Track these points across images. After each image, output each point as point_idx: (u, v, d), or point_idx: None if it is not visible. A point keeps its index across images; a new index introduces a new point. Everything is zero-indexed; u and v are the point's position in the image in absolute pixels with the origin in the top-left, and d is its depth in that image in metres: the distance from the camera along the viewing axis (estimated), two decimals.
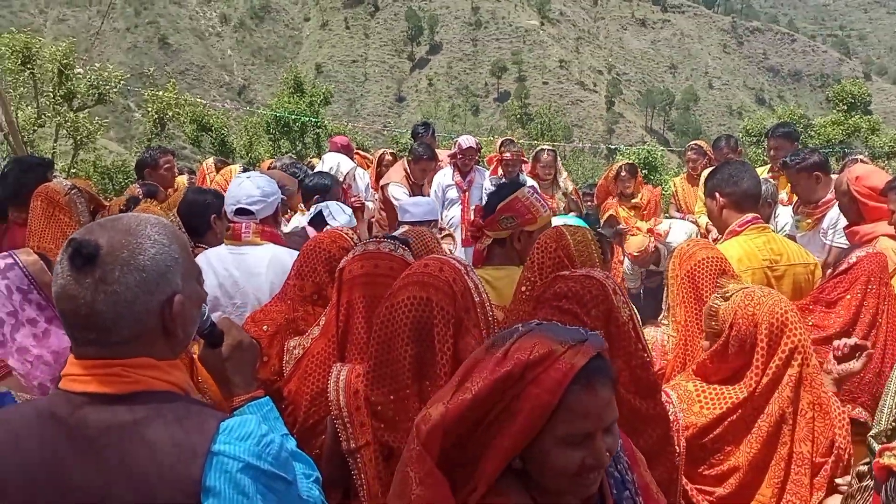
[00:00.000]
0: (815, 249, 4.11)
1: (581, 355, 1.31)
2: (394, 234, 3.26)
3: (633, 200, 6.65)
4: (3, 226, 4.08)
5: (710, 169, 4.26)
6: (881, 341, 2.55)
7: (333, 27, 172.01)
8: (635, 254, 5.79)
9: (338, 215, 3.82)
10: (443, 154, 7.04)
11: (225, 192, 3.51)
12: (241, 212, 3.21)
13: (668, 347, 2.61)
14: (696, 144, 7.12)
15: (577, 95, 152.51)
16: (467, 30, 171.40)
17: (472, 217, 6.09)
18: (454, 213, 6.43)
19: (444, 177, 6.53)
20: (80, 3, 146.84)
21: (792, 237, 4.43)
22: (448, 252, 3.48)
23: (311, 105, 22.20)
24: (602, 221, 6.65)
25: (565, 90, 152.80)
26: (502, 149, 6.67)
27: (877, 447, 1.66)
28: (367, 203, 6.46)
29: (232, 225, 3.23)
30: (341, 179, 5.79)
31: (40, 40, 17.27)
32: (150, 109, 19.89)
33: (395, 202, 6.10)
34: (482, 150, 7.56)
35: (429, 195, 6.35)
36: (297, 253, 2.84)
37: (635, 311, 1.97)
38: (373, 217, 6.57)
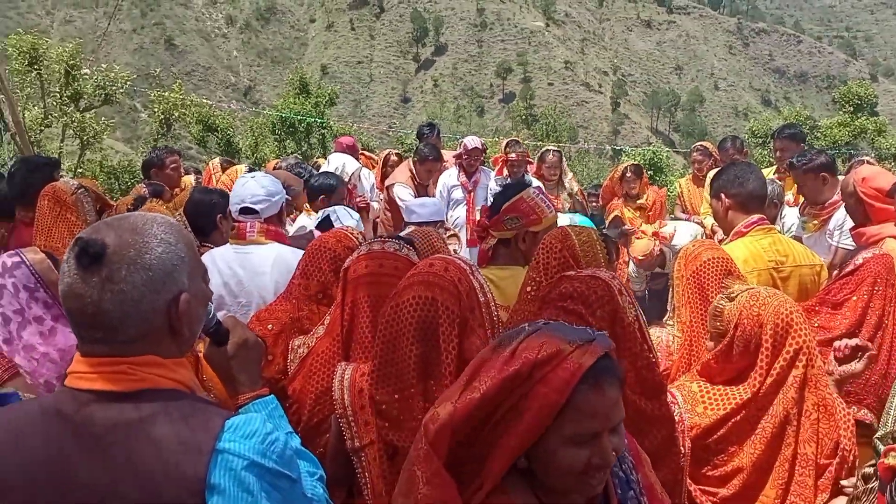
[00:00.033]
0: (822, 251, 4.09)
1: (589, 355, 1.31)
2: (400, 234, 3.26)
3: (638, 201, 6.65)
4: (11, 225, 4.10)
5: (715, 170, 4.25)
6: (887, 343, 2.55)
7: (339, 28, 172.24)
8: (640, 257, 5.78)
9: (345, 220, 3.84)
10: (448, 155, 7.05)
11: (231, 191, 3.52)
12: (245, 211, 3.22)
13: (673, 348, 2.60)
14: (701, 145, 7.11)
15: (583, 96, 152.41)
16: (472, 31, 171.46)
17: (478, 217, 6.11)
18: (459, 213, 6.43)
19: (450, 177, 6.54)
20: (87, 4, 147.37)
21: (798, 238, 4.42)
22: (453, 252, 3.48)
23: (316, 106, 22.24)
24: (607, 222, 6.65)
25: (570, 91, 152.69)
26: (507, 150, 6.67)
27: (882, 448, 1.65)
28: (372, 203, 6.46)
29: (237, 224, 3.24)
30: (346, 180, 5.80)
31: (47, 41, 17.36)
32: (156, 110, 19.97)
33: (400, 203, 6.10)
34: (487, 151, 7.57)
35: (434, 196, 6.35)
36: (301, 252, 2.85)
37: (641, 311, 1.97)
38: (378, 217, 6.58)
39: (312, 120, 21.41)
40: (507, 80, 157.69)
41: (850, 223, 3.92)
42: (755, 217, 3.16)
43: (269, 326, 2.56)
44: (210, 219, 3.57)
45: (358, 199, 5.72)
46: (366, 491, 1.96)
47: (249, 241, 3.18)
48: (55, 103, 16.62)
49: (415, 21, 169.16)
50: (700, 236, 5.47)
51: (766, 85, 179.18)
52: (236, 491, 1.23)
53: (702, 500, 2.07)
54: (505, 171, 6.64)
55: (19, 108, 12.65)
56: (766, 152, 19.16)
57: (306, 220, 4.66)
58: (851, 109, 23.04)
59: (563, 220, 4.58)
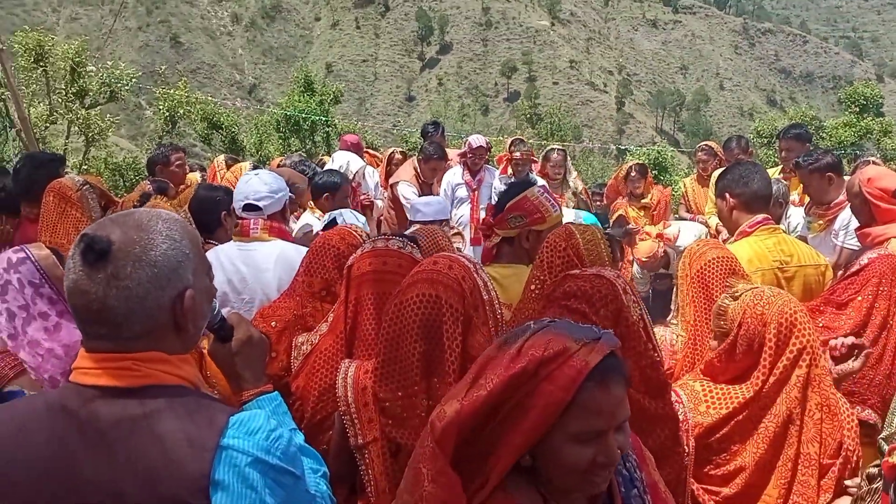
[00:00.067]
0: (827, 251, 4.08)
1: (595, 353, 1.31)
2: (404, 232, 3.27)
3: (642, 201, 6.64)
4: (16, 221, 4.11)
5: (720, 170, 4.24)
6: (892, 343, 2.54)
7: (344, 27, 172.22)
8: (644, 259, 5.78)
9: (351, 222, 3.84)
10: (452, 153, 7.05)
11: (235, 189, 3.53)
12: (249, 208, 3.23)
13: (677, 347, 2.60)
14: (706, 145, 7.09)
15: (588, 96, 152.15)
16: (478, 30, 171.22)
17: (482, 216, 6.11)
18: (463, 211, 6.43)
19: (454, 175, 6.54)
20: (93, 1, 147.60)
21: (804, 238, 4.41)
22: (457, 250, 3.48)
23: (321, 104, 22.20)
24: (611, 221, 6.64)
25: (575, 90, 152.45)
26: (512, 148, 6.67)
27: (887, 448, 1.65)
28: (376, 201, 6.47)
29: (240, 221, 3.25)
30: (351, 178, 5.80)
31: (53, 38, 17.35)
32: (161, 107, 19.97)
33: (404, 202, 6.11)
34: (492, 150, 7.56)
35: (438, 194, 6.35)
36: (304, 249, 2.85)
37: (646, 310, 1.97)
38: (381, 215, 6.59)
39: (317, 118, 21.39)
40: (512, 78, 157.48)
41: (855, 223, 3.91)
42: (760, 217, 3.16)
43: (273, 324, 2.57)
44: (214, 216, 3.58)
45: (362, 197, 5.72)
46: (369, 488, 1.97)
47: (253, 237, 3.19)
48: (60, 100, 16.64)
49: (420, 20, 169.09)
50: (704, 237, 5.46)
51: (771, 85, 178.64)
52: (240, 487, 1.24)
53: (704, 499, 2.07)
54: (509, 170, 6.64)
55: (25, 105, 12.68)
56: (770, 152, 19.09)
57: (310, 218, 4.67)
58: (857, 110, 22.93)
59: (569, 215, 4.59)
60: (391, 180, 6.61)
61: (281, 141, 21.63)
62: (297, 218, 4.82)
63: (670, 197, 7.33)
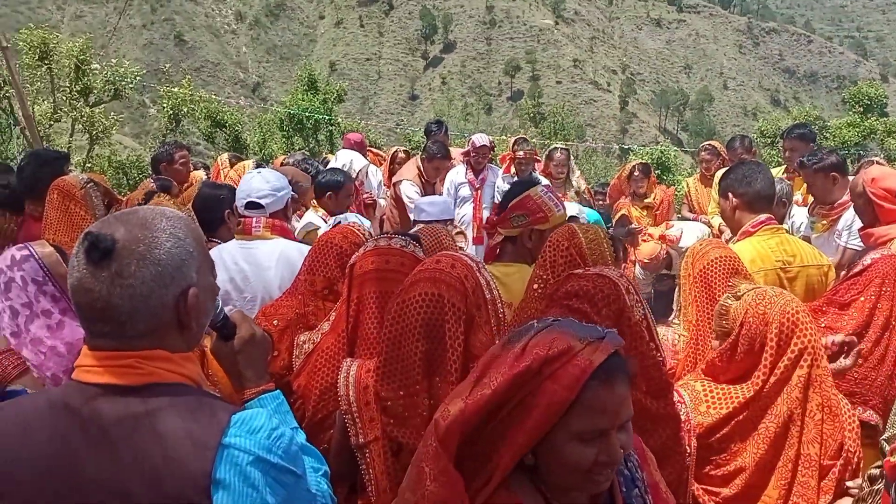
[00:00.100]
0: (830, 251, 4.08)
1: (599, 352, 1.30)
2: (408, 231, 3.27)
3: (645, 200, 6.63)
4: (20, 218, 4.12)
5: (724, 169, 4.24)
6: (894, 344, 2.53)
7: (348, 25, 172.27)
8: (646, 261, 5.77)
9: None
10: (456, 152, 7.05)
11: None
12: (251, 206, 3.23)
13: (679, 346, 2.59)
14: (709, 145, 7.07)
15: (591, 95, 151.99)
16: (481, 28, 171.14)
17: (485, 215, 6.11)
18: (466, 210, 6.43)
19: (457, 174, 6.54)
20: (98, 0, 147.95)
21: (807, 238, 4.40)
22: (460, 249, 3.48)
23: (324, 102, 22.23)
24: (614, 221, 6.64)
25: (579, 90, 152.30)
26: (515, 147, 6.67)
27: (889, 448, 1.65)
28: (379, 200, 6.47)
29: (243, 219, 3.25)
30: (354, 176, 5.81)
31: (58, 36, 17.41)
32: (164, 105, 20.02)
33: (407, 202, 6.10)
34: (495, 149, 7.56)
35: (441, 193, 6.35)
36: (306, 248, 2.85)
37: (649, 310, 1.97)
38: (384, 214, 6.59)
39: (320, 116, 21.40)
40: (516, 77, 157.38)
41: (858, 223, 3.90)
42: (763, 216, 3.15)
43: (275, 322, 2.57)
44: (218, 214, 3.58)
45: (365, 196, 5.73)
46: (370, 487, 1.97)
47: (255, 236, 3.20)
48: (65, 98, 16.69)
49: (423, 18, 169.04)
50: (707, 237, 5.46)
51: (775, 85, 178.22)
52: (241, 486, 1.24)
53: (704, 499, 2.06)
54: (512, 169, 6.64)
55: (29, 103, 12.70)
56: (774, 152, 19.06)
57: (314, 217, 4.67)
58: (861, 110, 22.88)
59: (573, 209, 4.58)
60: (394, 179, 6.61)
61: (284, 139, 21.66)
62: (301, 217, 4.82)
63: (673, 197, 7.32)
